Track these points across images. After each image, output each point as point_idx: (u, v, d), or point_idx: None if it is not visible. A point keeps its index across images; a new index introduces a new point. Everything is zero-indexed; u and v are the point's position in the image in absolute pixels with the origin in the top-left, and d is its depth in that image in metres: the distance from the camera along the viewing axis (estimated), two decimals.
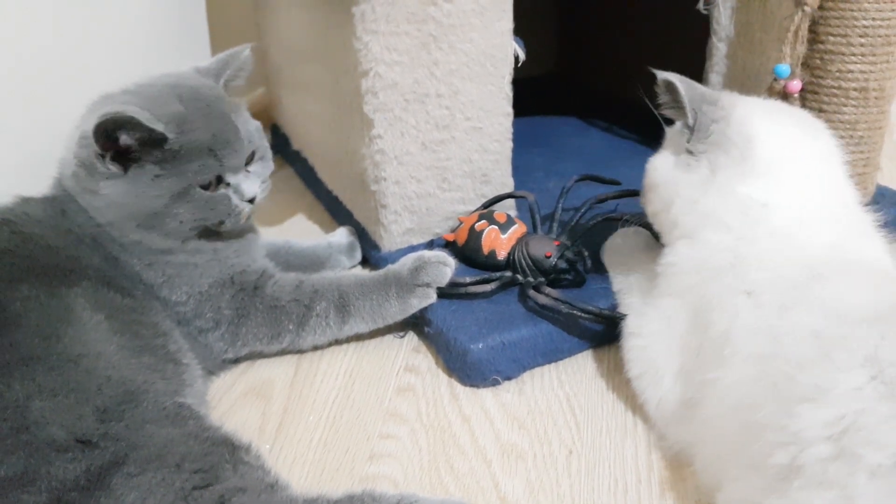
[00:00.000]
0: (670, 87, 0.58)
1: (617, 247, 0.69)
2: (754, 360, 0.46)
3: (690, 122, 0.57)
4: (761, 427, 0.41)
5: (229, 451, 0.47)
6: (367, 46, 0.65)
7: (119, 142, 0.56)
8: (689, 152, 0.57)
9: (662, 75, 0.58)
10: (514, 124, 0.76)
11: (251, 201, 0.63)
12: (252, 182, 0.63)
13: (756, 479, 0.41)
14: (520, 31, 0.73)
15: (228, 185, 0.62)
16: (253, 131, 0.65)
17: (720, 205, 0.55)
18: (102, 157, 0.57)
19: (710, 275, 0.52)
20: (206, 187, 0.60)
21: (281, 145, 1.07)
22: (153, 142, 0.57)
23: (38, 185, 0.62)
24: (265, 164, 0.66)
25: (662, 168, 0.60)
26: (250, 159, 0.64)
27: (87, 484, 0.43)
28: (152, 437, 0.46)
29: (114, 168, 0.57)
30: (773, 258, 0.51)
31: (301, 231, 0.91)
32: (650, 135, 0.66)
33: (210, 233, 0.62)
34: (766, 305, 0.48)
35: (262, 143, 0.66)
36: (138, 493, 0.44)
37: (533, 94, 0.89)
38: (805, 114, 0.63)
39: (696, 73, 0.86)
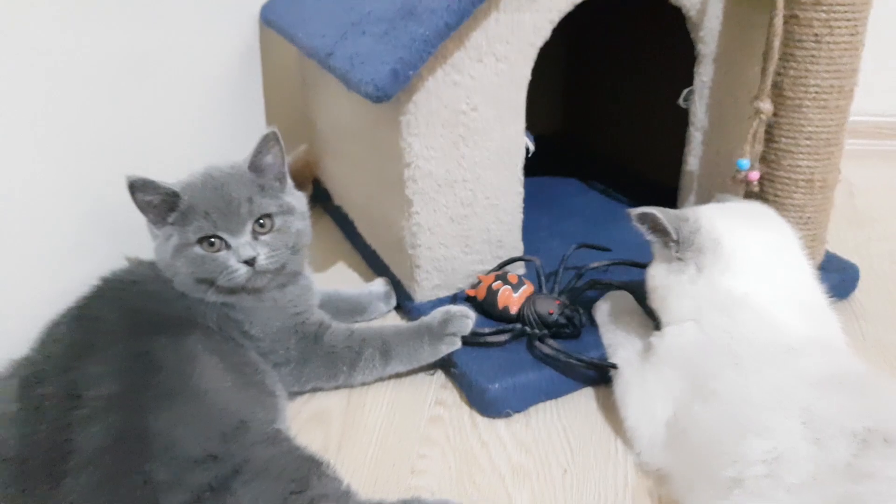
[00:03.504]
0: (647, 217, 0.71)
1: (606, 307, 0.86)
2: (729, 402, 0.60)
3: (675, 237, 0.70)
4: (719, 450, 0.57)
5: (315, 465, 0.63)
6: (411, 146, 0.82)
7: (138, 197, 0.72)
8: (679, 259, 0.71)
9: (637, 211, 0.71)
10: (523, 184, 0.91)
11: (249, 263, 0.73)
12: (254, 247, 0.73)
13: (711, 488, 0.57)
14: (530, 90, 0.86)
15: (230, 248, 0.73)
16: (273, 207, 0.75)
17: (707, 295, 0.68)
18: (138, 206, 0.73)
19: (708, 352, 0.65)
20: (209, 245, 0.72)
21: (322, 198, 1.24)
22: (171, 202, 0.73)
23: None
24: (280, 238, 0.76)
25: (658, 274, 0.73)
26: (267, 228, 0.75)
27: (217, 486, 0.58)
28: (259, 455, 0.62)
29: (153, 229, 0.74)
30: (756, 338, 0.64)
31: (341, 277, 1.07)
32: (640, 198, 0.82)
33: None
34: (745, 372, 0.61)
35: (286, 218, 0.76)
36: (252, 496, 0.59)
37: (540, 152, 0.99)
38: (758, 207, 0.79)
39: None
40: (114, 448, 0.59)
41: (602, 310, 0.84)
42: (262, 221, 0.75)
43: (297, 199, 0.81)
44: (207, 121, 1.05)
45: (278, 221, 0.77)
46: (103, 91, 0.83)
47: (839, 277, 0.95)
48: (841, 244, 1.11)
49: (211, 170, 0.77)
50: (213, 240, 0.73)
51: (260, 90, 1.19)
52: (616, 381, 0.74)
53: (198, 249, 0.73)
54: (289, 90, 1.30)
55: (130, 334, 0.68)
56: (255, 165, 0.77)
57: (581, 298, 0.86)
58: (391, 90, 0.74)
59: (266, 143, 0.77)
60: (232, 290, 0.75)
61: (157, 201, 0.73)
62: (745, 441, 0.55)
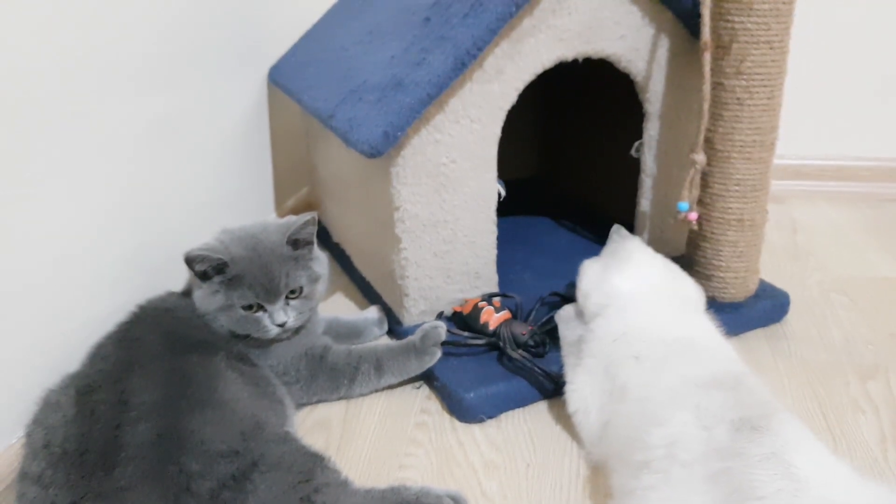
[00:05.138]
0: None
1: (567, 315, 0.99)
2: (637, 400, 0.76)
3: (607, 244, 0.94)
4: (633, 439, 0.71)
5: (319, 460, 0.75)
6: (399, 192, 0.97)
7: (195, 267, 0.86)
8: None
9: (615, 225, 0.99)
10: (500, 223, 1.05)
11: (281, 325, 0.87)
12: (286, 312, 0.87)
13: (627, 469, 0.70)
14: (509, 140, 1.03)
15: (260, 309, 0.86)
16: (304, 279, 0.88)
17: (607, 287, 0.88)
18: (194, 272, 0.87)
19: (611, 340, 0.84)
20: (248, 308, 0.85)
21: (322, 236, 1.39)
22: (219, 268, 0.86)
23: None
24: (306, 302, 0.89)
25: (586, 263, 0.95)
26: (297, 295, 0.88)
27: (239, 476, 0.70)
28: (273, 451, 0.74)
29: (197, 280, 0.87)
30: (649, 334, 0.82)
31: (340, 305, 1.21)
32: (603, 235, 1.00)
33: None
34: (646, 368, 0.78)
35: (312, 286, 0.89)
36: (267, 484, 0.71)
37: (516, 195, 1.15)
38: (666, 261, 0.97)
39: None
40: (156, 444, 0.71)
41: (563, 317, 0.98)
42: (294, 290, 0.89)
43: (321, 264, 0.94)
44: (223, 169, 1.20)
45: (306, 290, 0.90)
46: (139, 149, 0.98)
47: (771, 304, 1.10)
48: (780, 274, 1.26)
49: (254, 241, 0.88)
50: (252, 305, 0.87)
51: (267, 140, 1.35)
52: (566, 386, 0.88)
53: (240, 311, 0.87)
54: (292, 139, 1.45)
55: (167, 353, 0.81)
56: (293, 241, 0.89)
57: (550, 332, 0.98)
58: (383, 148, 0.89)
59: (306, 225, 0.90)
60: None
61: (207, 268, 0.86)
62: (649, 431, 0.70)
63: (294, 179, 1.49)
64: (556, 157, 1.56)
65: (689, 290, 0.92)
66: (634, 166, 1.16)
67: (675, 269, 0.94)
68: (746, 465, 0.61)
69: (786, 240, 1.42)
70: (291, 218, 0.93)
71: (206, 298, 0.87)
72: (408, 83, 0.91)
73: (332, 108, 1.01)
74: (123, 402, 0.75)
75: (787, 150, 1.57)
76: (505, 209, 1.07)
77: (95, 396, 0.76)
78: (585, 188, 1.45)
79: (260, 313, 0.87)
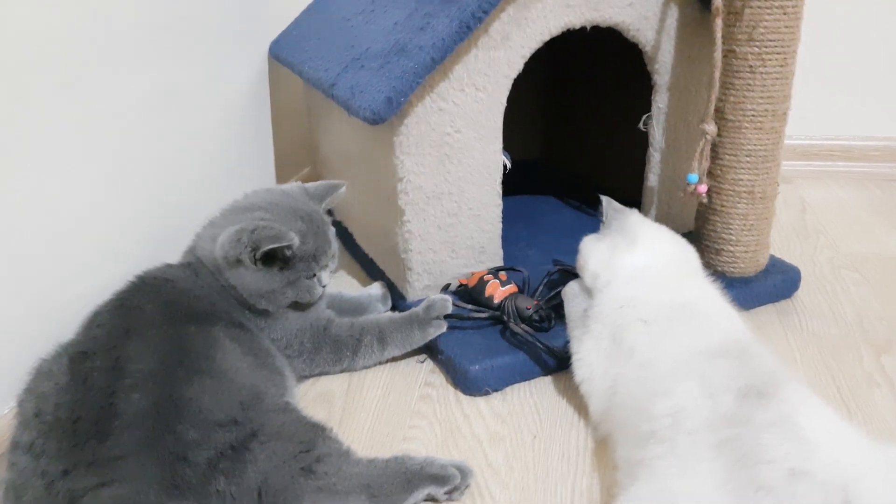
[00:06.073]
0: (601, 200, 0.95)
1: (573, 291, 0.97)
2: (641, 366, 0.74)
3: (604, 219, 0.93)
4: (638, 409, 0.69)
5: (320, 430, 0.74)
6: (403, 163, 0.95)
7: (284, 253, 0.85)
8: (603, 235, 0.93)
9: (602, 196, 0.96)
10: (505, 202, 1.04)
11: (324, 286, 0.91)
12: (327, 274, 0.92)
13: (633, 440, 0.68)
14: (513, 119, 1.01)
15: (314, 276, 0.90)
16: (335, 242, 0.93)
17: (618, 265, 0.86)
18: (254, 260, 0.84)
19: (618, 306, 0.82)
20: (310, 277, 0.89)
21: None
22: (291, 248, 0.85)
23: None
24: (335, 261, 0.94)
25: (588, 240, 0.94)
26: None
27: (237, 446, 0.68)
28: (273, 421, 0.72)
29: (259, 265, 0.85)
30: (656, 299, 0.81)
31: (342, 282, 1.19)
32: None
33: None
34: (652, 332, 0.77)
35: (336, 244, 0.94)
36: (267, 454, 0.69)
37: (521, 175, 1.16)
38: (670, 231, 0.95)
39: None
40: (151, 412, 0.69)
41: (569, 294, 0.95)
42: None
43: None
44: (224, 144, 1.18)
45: (335, 249, 0.94)
46: (140, 123, 0.96)
47: (782, 279, 1.08)
48: (790, 252, 1.24)
49: (305, 213, 0.90)
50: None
51: (268, 117, 1.32)
52: (572, 357, 0.86)
53: (305, 282, 0.88)
54: (294, 117, 1.43)
55: (165, 322, 0.79)
56: (327, 209, 0.95)
57: (556, 307, 0.96)
58: (386, 114, 0.87)
59: (339, 197, 0.97)
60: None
61: (286, 254, 0.85)
62: (654, 402, 0.68)
63: (296, 159, 1.46)
64: (560, 139, 1.53)
65: (694, 260, 0.90)
66: (640, 143, 1.14)
67: (679, 239, 0.92)
68: (754, 431, 0.59)
69: (795, 219, 1.40)
70: (303, 184, 0.96)
71: (267, 278, 0.86)
72: (411, 48, 0.89)
73: (333, 77, 0.99)
74: (119, 369, 0.72)
75: (795, 130, 1.54)
76: (510, 189, 1.04)
77: (89, 364, 0.73)
78: (590, 167, 1.43)
79: (313, 280, 0.90)
